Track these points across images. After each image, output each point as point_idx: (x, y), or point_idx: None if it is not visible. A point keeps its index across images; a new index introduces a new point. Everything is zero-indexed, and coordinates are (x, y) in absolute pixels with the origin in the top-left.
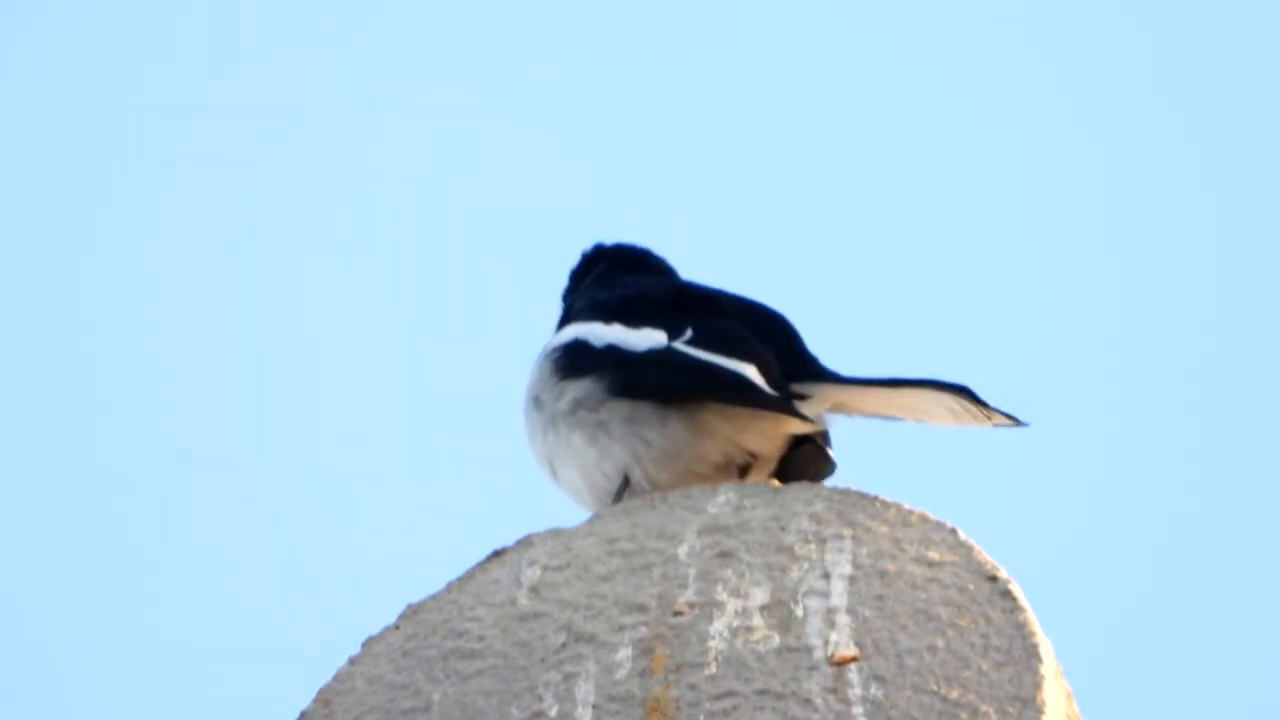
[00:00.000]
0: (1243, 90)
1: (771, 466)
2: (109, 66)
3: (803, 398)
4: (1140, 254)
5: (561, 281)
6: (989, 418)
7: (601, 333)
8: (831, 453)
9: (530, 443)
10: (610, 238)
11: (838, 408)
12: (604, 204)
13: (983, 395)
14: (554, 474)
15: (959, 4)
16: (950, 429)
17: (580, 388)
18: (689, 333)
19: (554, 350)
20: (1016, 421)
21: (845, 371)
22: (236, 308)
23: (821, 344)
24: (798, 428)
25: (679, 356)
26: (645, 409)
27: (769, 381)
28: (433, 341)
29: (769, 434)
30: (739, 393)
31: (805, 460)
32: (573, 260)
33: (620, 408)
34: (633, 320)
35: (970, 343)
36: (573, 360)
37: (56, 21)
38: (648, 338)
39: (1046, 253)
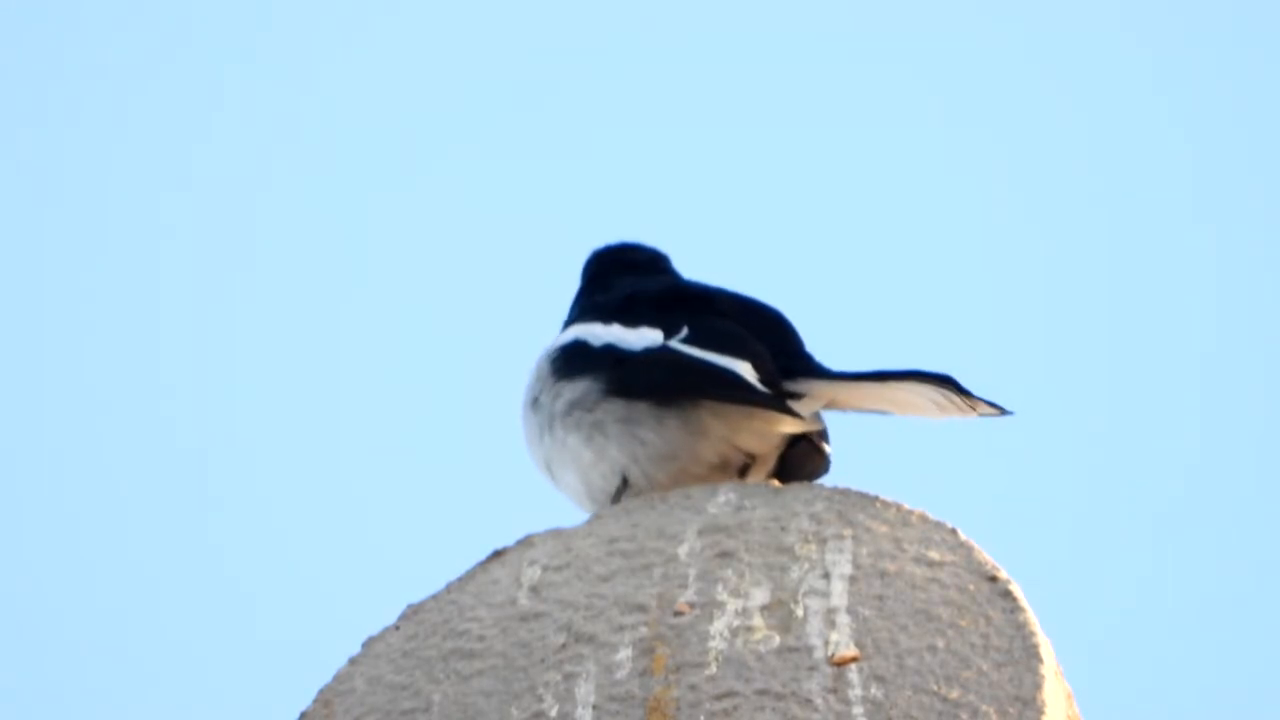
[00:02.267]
0: (1239, 92)
1: (770, 466)
2: (110, 68)
3: (797, 395)
4: (1138, 248)
5: (561, 281)
6: (973, 407)
7: (600, 333)
8: (828, 448)
9: (528, 445)
10: (613, 238)
11: (831, 404)
12: (604, 204)
13: (966, 385)
14: (552, 476)
15: (956, 6)
16: (938, 422)
17: (576, 388)
18: (685, 331)
19: (553, 351)
20: (1001, 410)
21: (839, 367)
22: (237, 309)
23: (820, 340)
24: (791, 426)
25: (674, 355)
26: (640, 408)
27: (764, 379)
28: (433, 341)
29: (763, 433)
30: (733, 391)
31: (801, 458)
32: (576, 260)
33: (615, 408)
34: (630, 320)
35: (971, 342)
36: (570, 361)
37: (57, 23)
38: (644, 337)
39: (1046, 247)
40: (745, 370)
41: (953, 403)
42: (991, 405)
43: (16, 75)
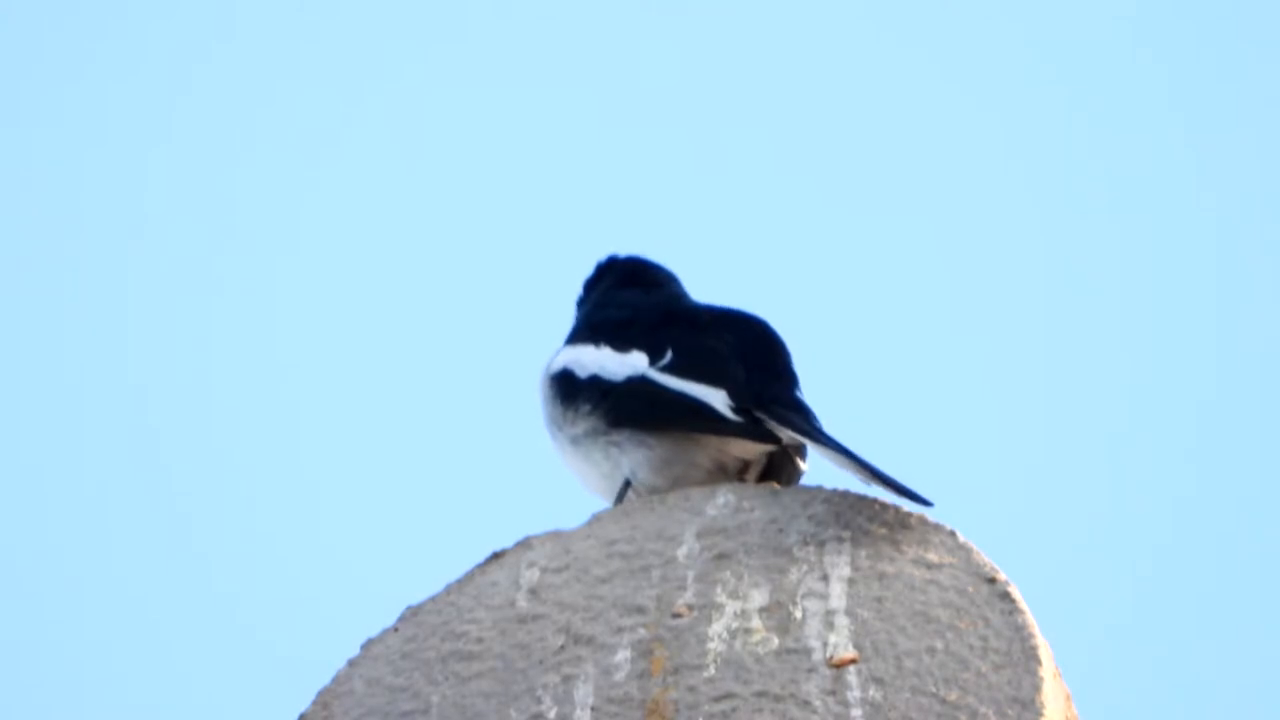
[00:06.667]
0: (1240, 93)
1: (762, 466)
2: (90, 61)
3: (770, 419)
4: (1144, 251)
5: (562, 285)
6: (899, 492)
7: (589, 360)
8: (802, 462)
9: (560, 459)
10: (612, 246)
11: (792, 439)
12: (603, 203)
13: (890, 476)
14: (586, 486)
15: (952, 5)
16: (934, 425)
17: (588, 420)
18: (669, 355)
19: (553, 379)
20: (922, 501)
21: (846, 363)
22: (232, 308)
23: (817, 346)
24: (768, 448)
25: (650, 387)
26: (640, 423)
27: (738, 406)
28: (432, 342)
29: (747, 446)
30: (704, 422)
31: (777, 466)
32: (576, 264)
33: (625, 428)
34: (620, 344)
35: (973, 342)
36: (569, 391)
37: (39, 19)
38: (627, 364)
39: (1048, 247)
40: (718, 399)
41: (874, 482)
42: (914, 497)
43: (15, 71)
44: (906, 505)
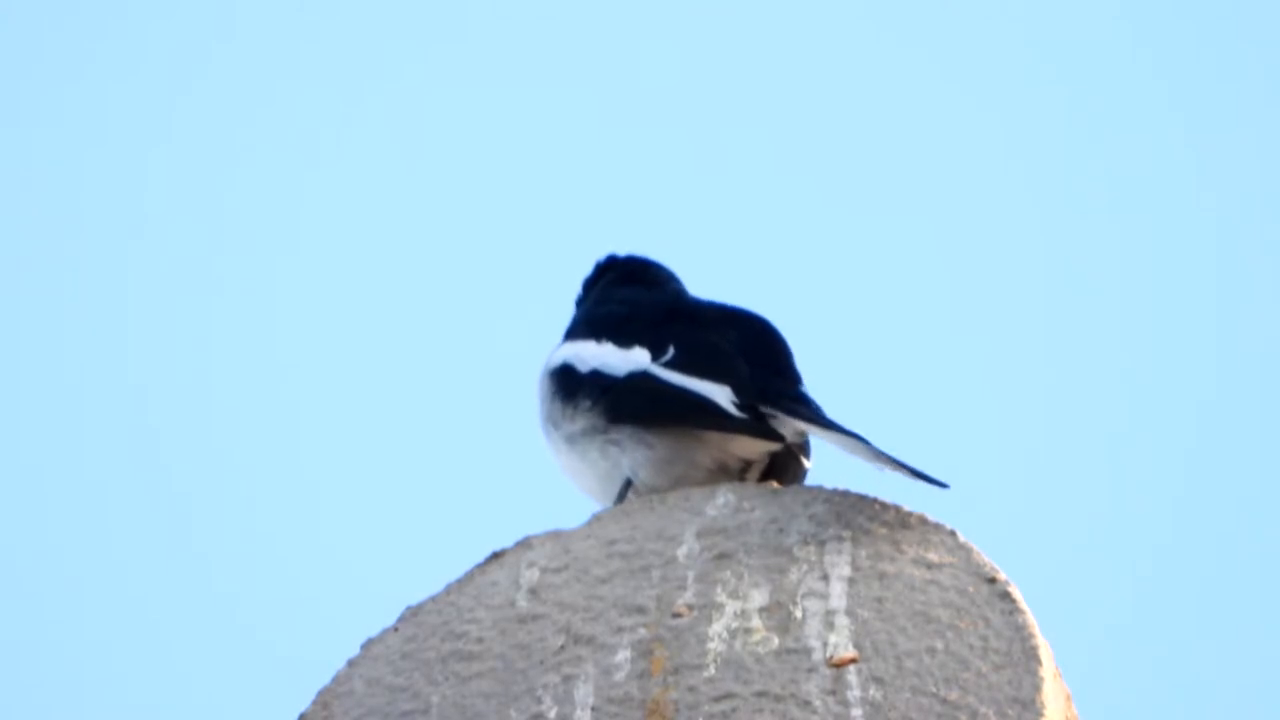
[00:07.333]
0: (1240, 93)
1: (764, 465)
2: (87, 61)
3: (774, 416)
4: (1144, 251)
5: (561, 285)
6: (916, 476)
7: (590, 356)
8: (807, 463)
9: (554, 458)
10: (616, 246)
11: (799, 432)
12: (603, 203)
13: (891, 458)
14: (580, 486)
15: (952, 5)
16: (938, 419)
17: (586, 416)
18: (671, 352)
19: (552, 374)
20: (937, 483)
21: (844, 359)
22: (232, 308)
23: (818, 346)
24: (771, 445)
25: (654, 382)
26: (641, 422)
27: (743, 402)
28: (431, 342)
29: (749, 447)
30: (709, 419)
31: (781, 464)
32: (578, 265)
33: (620, 424)
34: (622, 339)
35: (975, 341)
36: (569, 387)
37: (39, 19)
38: (629, 360)
39: (1051, 246)
40: (723, 396)
41: (887, 467)
42: (929, 479)
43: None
44: (909, 503)
